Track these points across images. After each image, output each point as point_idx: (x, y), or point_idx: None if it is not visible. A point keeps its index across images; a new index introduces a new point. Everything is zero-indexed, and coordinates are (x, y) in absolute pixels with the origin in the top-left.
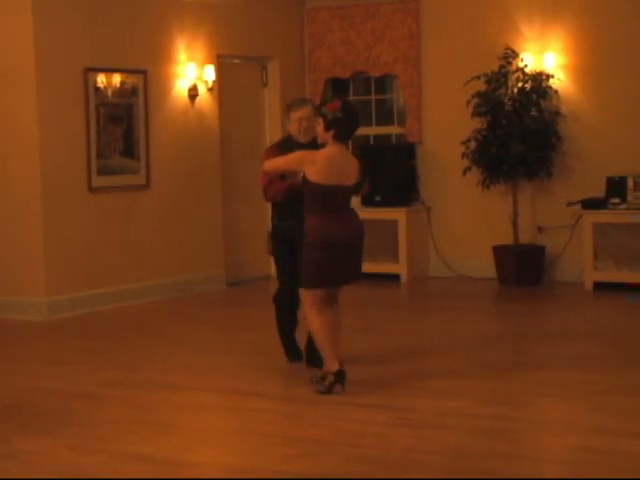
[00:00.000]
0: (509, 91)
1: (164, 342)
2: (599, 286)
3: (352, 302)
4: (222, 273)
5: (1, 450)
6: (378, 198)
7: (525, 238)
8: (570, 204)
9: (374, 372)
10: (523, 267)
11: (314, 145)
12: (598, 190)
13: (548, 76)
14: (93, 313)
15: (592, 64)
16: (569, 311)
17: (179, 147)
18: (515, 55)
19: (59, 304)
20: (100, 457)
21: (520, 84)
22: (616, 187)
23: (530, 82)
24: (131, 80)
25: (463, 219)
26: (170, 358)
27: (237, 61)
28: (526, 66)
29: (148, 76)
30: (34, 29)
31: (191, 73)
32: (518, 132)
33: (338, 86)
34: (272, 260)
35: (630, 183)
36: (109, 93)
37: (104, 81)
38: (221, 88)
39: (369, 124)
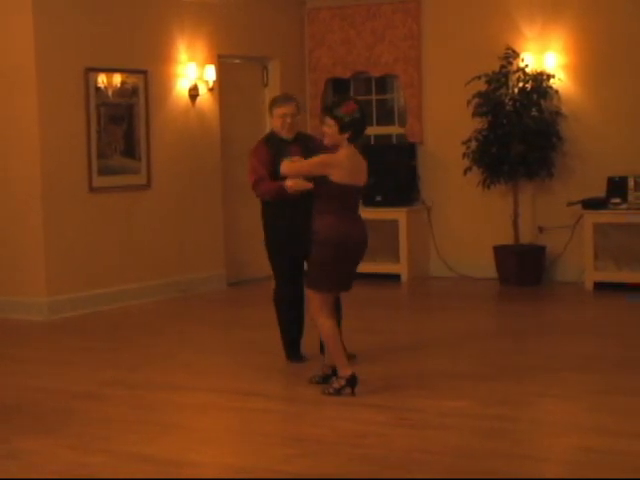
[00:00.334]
0: (510, 91)
1: (164, 342)
2: (599, 286)
3: (352, 302)
4: (223, 273)
5: (1, 450)
6: (379, 198)
7: (526, 238)
8: (571, 204)
9: (375, 372)
10: (524, 267)
11: (297, 141)
12: (599, 190)
13: (549, 76)
14: (94, 313)
15: (593, 64)
16: (569, 311)
17: (180, 147)
18: (516, 55)
19: (60, 304)
20: (100, 457)
21: (521, 84)
22: (617, 187)
23: (531, 82)
24: (132, 80)
25: (464, 219)
26: (170, 358)
27: (238, 61)
28: (527, 66)
29: (149, 76)
30: (34, 29)
31: (192, 73)
32: (519, 132)
33: (338, 86)
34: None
35: (631, 183)
36: (110, 93)
37: (105, 81)
38: (222, 88)
39: (370, 124)
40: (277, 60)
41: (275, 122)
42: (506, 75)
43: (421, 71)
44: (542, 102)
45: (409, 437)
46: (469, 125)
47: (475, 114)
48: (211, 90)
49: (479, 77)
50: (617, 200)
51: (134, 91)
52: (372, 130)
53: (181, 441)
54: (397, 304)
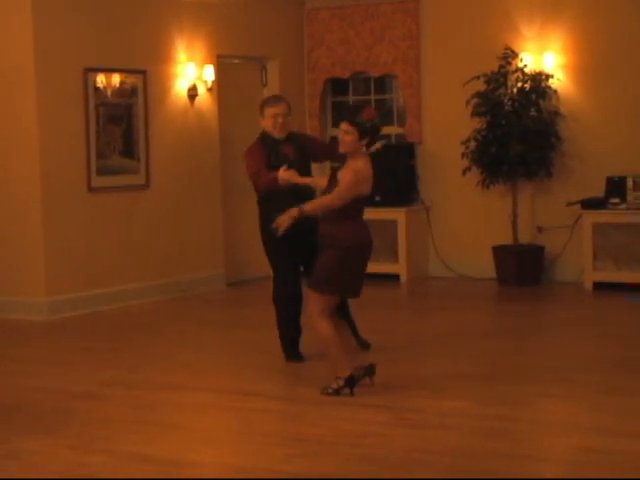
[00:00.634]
0: (509, 91)
1: (164, 342)
2: (599, 286)
3: (352, 302)
4: (222, 273)
5: (1, 450)
6: (378, 198)
7: (525, 238)
8: (570, 204)
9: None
10: (523, 267)
11: (289, 140)
12: (598, 190)
13: (547, 76)
14: (93, 313)
15: (591, 64)
16: (569, 311)
17: (179, 147)
18: (514, 55)
19: (59, 304)
20: (100, 457)
21: (519, 84)
22: (616, 187)
23: (529, 82)
24: (131, 80)
25: (463, 219)
26: (170, 358)
27: (237, 61)
28: (525, 66)
29: (148, 76)
30: (34, 29)
31: (191, 73)
32: (518, 132)
33: (337, 86)
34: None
35: (630, 183)
36: (109, 93)
37: (104, 81)
38: (221, 88)
39: None
40: (276, 60)
41: (266, 122)
42: (505, 75)
43: (420, 71)
44: (541, 102)
45: (409, 437)
46: (468, 125)
47: (474, 114)
48: (210, 90)
49: (478, 77)
50: (616, 200)
51: (133, 91)
52: None
53: (181, 441)
54: (396, 304)
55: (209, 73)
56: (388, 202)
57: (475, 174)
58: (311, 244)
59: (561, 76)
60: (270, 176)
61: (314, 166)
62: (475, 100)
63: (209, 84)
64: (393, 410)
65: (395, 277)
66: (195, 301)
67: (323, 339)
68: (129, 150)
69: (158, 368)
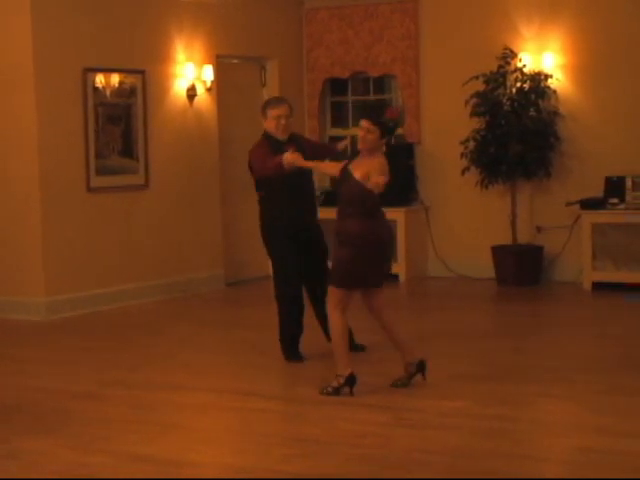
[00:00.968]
0: (508, 91)
1: (164, 342)
2: (598, 286)
3: (351, 302)
4: (221, 273)
5: (1, 450)
6: None
7: (524, 238)
8: (569, 204)
9: (374, 372)
10: (522, 267)
11: (291, 142)
12: (597, 190)
13: (546, 76)
14: (93, 313)
15: (590, 64)
16: (568, 311)
17: (178, 147)
18: (513, 55)
19: (58, 304)
20: (100, 457)
21: (518, 84)
22: (615, 187)
23: (528, 82)
24: (130, 80)
25: (462, 219)
26: (170, 358)
27: (236, 61)
28: (524, 66)
29: (147, 76)
30: (33, 29)
31: (190, 73)
32: (517, 132)
33: (337, 86)
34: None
35: (629, 183)
36: (108, 93)
37: (103, 81)
38: (220, 88)
39: None
40: (275, 60)
41: (269, 123)
42: (504, 75)
43: (419, 71)
44: (540, 102)
45: (409, 437)
46: (467, 125)
47: (473, 114)
48: (209, 90)
49: (477, 77)
50: (615, 200)
51: (132, 91)
52: None
53: (181, 441)
54: (395, 304)
55: (208, 73)
56: (387, 202)
57: (474, 174)
58: (312, 243)
59: (560, 76)
60: (276, 160)
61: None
62: (474, 100)
63: (208, 84)
64: (393, 410)
65: (394, 277)
66: (194, 301)
67: (331, 330)
68: (128, 150)
69: (158, 368)
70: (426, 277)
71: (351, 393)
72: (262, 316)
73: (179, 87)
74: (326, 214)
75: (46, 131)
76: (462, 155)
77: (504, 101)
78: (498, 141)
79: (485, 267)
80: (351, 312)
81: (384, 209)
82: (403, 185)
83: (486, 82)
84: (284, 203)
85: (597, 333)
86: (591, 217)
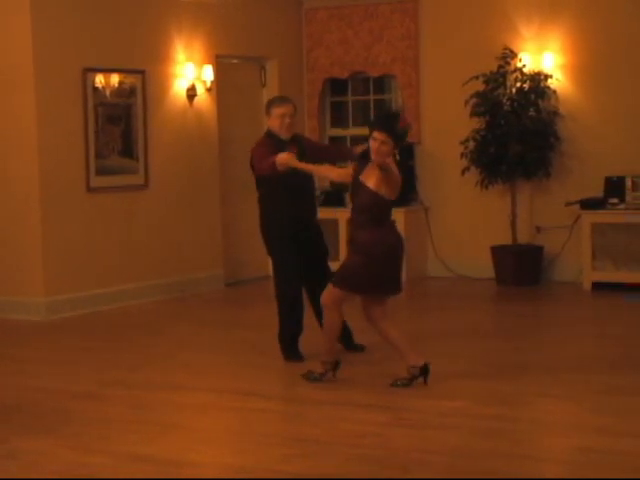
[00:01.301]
0: (507, 91)
1: (164, 342)
2: (597, 286)
3: (351, 302)
4: (221, 273)
5: (1, 450)
6: None
7: (523, 238)
8: (568, 204)
9: (373, 372)
10: (521, 267)
11: (294, 142)
12: (596, 190)
13: (546, 76)
14: (92, 313)
15: (590, 64)
16: (568, 311)
17: (178, 147)
18: (513, 55)
19: (58, 304)
20: (100, 457)
21: (518, 84)
22: (614, 187)
23: (528, 82)
24: (129, 80)
25: (461, 219)
26: (170, 358)
27: (235, 61)
28: (524, 66)
29: (146, 76)
30: (32, 29)
31: (189, 73)
32: (516, 132)
33: (336, 86)
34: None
35: (628, 183)
36: (107, 93)
37: (102, 81)
38: (219, 88)
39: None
40: (275, 60)
41: (273, 122)
42: (504, 75)
43: (419, 71)
44: (540, 102)
45: (408, 437)
46: (467, 125)
47: (473, 114)
48: (209, 90)
49: (477, 77)
50: (615, 200)
51: (132, 91)
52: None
53: (181, 441)
54: (395, 304)
55: (208, 73)
56: None
57: (474, 174)
58: (312, 243)
59: (560, 76)
60: (271, 159)
61: None
62: (474, 100)
63: (208, 84)
64: (392, 410)
65: None
66: (194, 301)
67: (328, 326)
68: (128, 150)
69: (158, 368)
70: (426, 277)
71: (334, 377)
72: (262, 316)
73: (179, 87)
74: (326, 214)
75: (46, 131)
76: (462, 155)
77: (504, 101)
78: (498, 141)
79: (485, 267)
80: (351, 312)
81: None
82: (403, 185)
83: (486, 82)
84: (284, 202)
85: (597, 333)
86: (591, 217)
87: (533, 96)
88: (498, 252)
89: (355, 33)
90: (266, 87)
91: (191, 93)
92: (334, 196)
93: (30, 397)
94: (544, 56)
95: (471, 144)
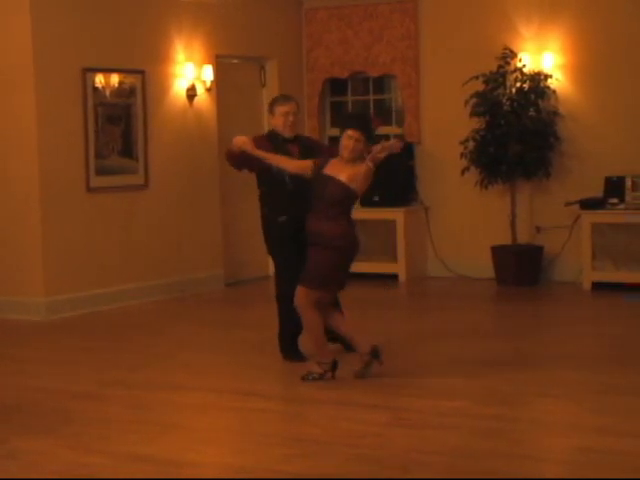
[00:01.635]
0: (507, 91)
1: (164, 342)
2: (597, 286)
3: (350, 302)
4: (221, 273)
5: (1, 450)
6: (376, 198)
7: (523, 238)
8: (568, 204)
9: (373, 372)
10: (521, 267)
11: (296, 141)
12: (596, 190)
13: (546, 76)
14: (92, 313)
15: (590, 64)
16: (567, 311)
17: (177, 147)
18: (513, 55)
19: (58, 304)
20: (100, 457)
21: (518, 84)
22: (614, 187)
23: (528, 82)
24: (129, 80)
25: (461, 219)
26: (170, 358)
27: (235, 61)
28: (524, 66)
29: (146, 76)
30: (32, 29)
31: (189, 73)
32: (516, 132)
33: (336, 86)
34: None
35: (628, 183)
36: (107, 93)
37: (102, 81)
38: (219, 88)
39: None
40: (275, 60)
41: (277, 120)
42: (503, 75)
43: (419, 71)
44: (540, 102)
45: (408, 437)
46: (467, 125)
47: (473, 114)
48: (209, 90)
49: (477, 77)
50: (615, 200)
51: (132, 91)
52: None
53: (181, 441)
54: (395, 304)
55: (208, 73)
56: (387, 202)
57: (474, 174)
58: None
59: (560, 76)
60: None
61: None
62: (474, 100)
63: (208, 84)
64: (392, 410)
65: (394, 277)
66: (194, 301)
67: (309, 328)
68: (128, 150)
69: (158, 368)
70: (426, 277)
71: (333, 377)
72: (262, 316)
73: (179, 87)
74: None
75: (46, 131)
76: (462, 155)
77: (504, 101)
78: (498, 141)
79: (485, 267)
80: (351, 312)
81: (384, 209)
82: (403, 185)
83: (486, 82)
84: (284, 200)
85: (597, 333)
86: (591, 217)
87: (533, 96)
88: (498, 252)
89: (355, 33)
90: (266, 87)
91: (191, 93)
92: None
93: (30, 397)
94: (544, 56)
95: (471, 144)
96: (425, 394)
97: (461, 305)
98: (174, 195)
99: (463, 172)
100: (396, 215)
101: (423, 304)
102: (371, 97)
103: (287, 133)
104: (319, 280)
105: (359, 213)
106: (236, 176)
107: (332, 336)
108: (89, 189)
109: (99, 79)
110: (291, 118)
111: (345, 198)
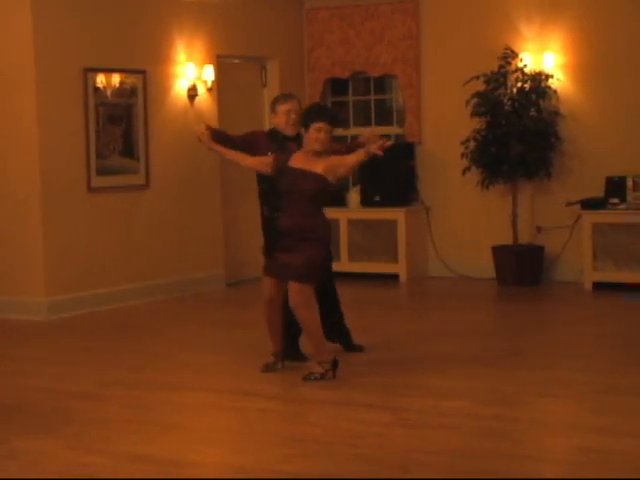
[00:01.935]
0: (508, 91)
1: (164, 342)
2: (598, 286)
3: (351, 302)
4: (221, 273)
5: (1, 450)
6: (377, 198)
7: (524, 238)
8: (569, 204)
9: (373, 372)
10: (522, 267)
11: (298, 139)
12: (597, 190)
13: (547, 76)
14: (92, 313)
15: (591, 64)
16: (568, 311)
17: (178, 147)
18: (514, 55)
19: (58, 304)
20: (100, 457)
21: (519, 84)
22: (615, 187)
23: (529, 82)
24: (130, 80)
25: (462, 219)
26: (170, 358)
27: (236, 61)
28: (525, 66)
29: (147, 76)
30: (33, 29)
31: (190, 73)
32: (517, 132)
33: (337, 86)
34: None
35: (629, 183)
36: (108, 93)
37: (103, 81)
38: (220, 88)
39: (368, 124)
40: (276, 60)
41: (279, 119)
42: (505, 75)
43: (420, 71)
44: (541, 102)
45: (408, 437)
46: (468, 125)
47: (474, 114)
48: (210, 90)
49: (478, 77)
50: (616, 200)
51: (133, 91)
52: (371, 130)
53: (181, 441)
54: (396, 304)
55: (209, 73)
56: (388, 202)
57: (475, 174)
58: None
59: (561, 76)
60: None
61: None
62: (475, 100)
63: (209, 84)
64: (392, 410)
65: (395, 277)
66: (194, 301)
67: (307, 327)
68: (129, 150)
69: (158, 368)
70: (426, 277)
71: (334, 376)
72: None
73: (180, 87)
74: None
75: (47, 131)
76: (463, 155)
77: (505, 101)
78: (499, 141)
79: (486, 267)
80: (350, 313)
81: (385, 209)
82: (404, 185)
83: (487, 82)
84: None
85: (597, 333)
86: (592, 217)
87: (534, 96)
88: (499, 252)
89: (356, 33)
90: (267, 87)
91: (192, 93)
92: (334, 195)
93: (30, 397)
94: (545, 56)
95: (472, 144)
96: (425, 394)
97: (462, 305)
98: (175, 195)
99: (464, 172)
100: (397, 215)
101: (424, 304)
102: (372, 97)
103: (289, 131)
104: (312, 274)
105: (360, 213)
106: (237, 176)
107: (331, 336)
108: (90, 189)
109: (100, 79)
110: (293, 116)
111: (322, 190)
